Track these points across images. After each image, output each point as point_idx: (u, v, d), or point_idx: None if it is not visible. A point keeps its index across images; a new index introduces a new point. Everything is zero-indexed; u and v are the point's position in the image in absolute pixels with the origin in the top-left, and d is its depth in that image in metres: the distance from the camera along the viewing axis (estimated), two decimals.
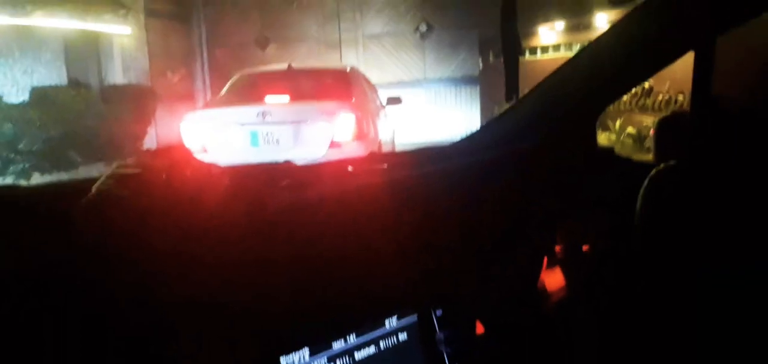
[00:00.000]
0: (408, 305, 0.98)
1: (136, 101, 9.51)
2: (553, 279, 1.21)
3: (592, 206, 1.25)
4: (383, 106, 6.71)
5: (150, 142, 10.15)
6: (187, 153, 0.93)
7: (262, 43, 12.24)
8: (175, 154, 0.92)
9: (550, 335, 1.15)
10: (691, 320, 1.08)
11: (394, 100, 6.84)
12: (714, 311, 1.06)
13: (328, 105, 5.15)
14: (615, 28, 1.31)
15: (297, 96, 5.46)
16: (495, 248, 1.15)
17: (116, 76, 9.80)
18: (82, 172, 8.25)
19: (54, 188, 1.03)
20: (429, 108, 11.41)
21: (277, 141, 5.01)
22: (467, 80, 11.47)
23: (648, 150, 6.58)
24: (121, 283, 0.75)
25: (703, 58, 1.15)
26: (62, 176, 8.01)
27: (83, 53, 9.36)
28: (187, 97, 11.90)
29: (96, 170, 8.54)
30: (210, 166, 1.00)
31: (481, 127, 1.57)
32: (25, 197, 0.91)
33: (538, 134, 1.36)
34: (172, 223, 0.80)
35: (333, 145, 4.95)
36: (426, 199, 1.10)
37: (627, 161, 1.38)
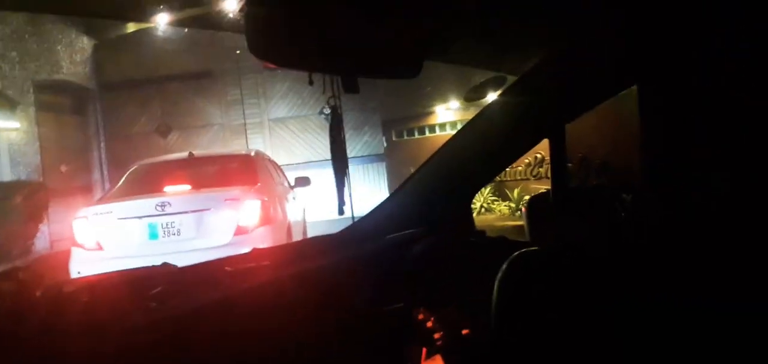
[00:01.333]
0: None
1: (26, 198, 8.91)
2: None
3: (470, 289, 1.24)
4: (292, 188, 6.69)
5: (42, 241, 9.48)
6: (40, 273, 0.88)
7: (164, 132, 11.96)
8: (24, 274, 0.87)
9: None
10: None
11: (302, 181, 6.83)
12: None
13: (232, 191, 5.08)
14: (475, 121, 1.38)
15: (199, 184, 5.36)
16: (374, 340, 1.12)
17: (3, 172, 9.18)
18: None
19: None
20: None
21: (178, 232, 4.85)
22: (373, 158, 11.78)
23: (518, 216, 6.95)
24: None
25: (557, 146, 1.24)
26: None
27: None
28: (85, 191, 11.30)
29: None
30: (64, 284, 0.96)
31: (364, 216, 1.58)
32: None
33: (418, 219, 1.39)
34: (10, 352, 0.75)
35: (239, 231, 4.85)
36: (299, 301, 1.06)
37: (500, 241, 1.41)
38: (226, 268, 1.18)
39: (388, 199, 1.56)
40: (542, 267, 1.07)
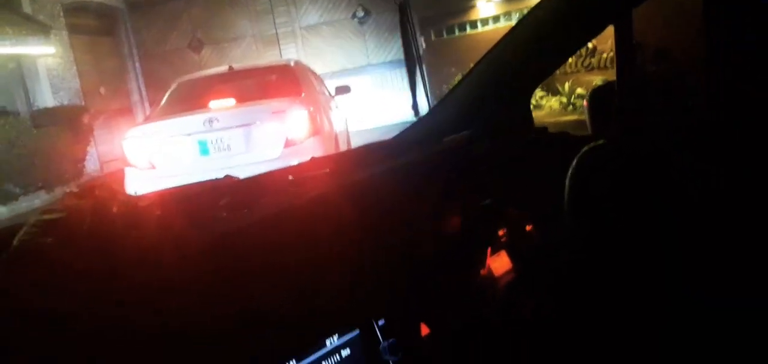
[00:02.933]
0: (349, 320, 0.94)
1: (71, 122, 9.06)
2: (499, 264, 1.20)
3: (533, 186, 1.25)
4: (332, 97, 6.57)
5: (92, 162, 9.70)
6: (113, 188, 0.92)
7: (197, 47, 11.87)
8: (100, 191, 0.90)
9: (500, 323, 1.13)
10: (626, 301, 1.09)
11: (343, 90, 6.68)
12: (646, 295, 1.07)
13: (278, 103, 4.97)
14: (535, 10, 1.32)
15: (243, 98, 5.26)
16: (439, 244, 1.12)
17: (46, 99, 9.29)
18: (24, 203, 7.83)
19: None
20: (376, 92, 11.32)
21: (229, 147, 4.82)
22: None
23: (572, 110, 6.73)
24: (49, 342, 0.69)
25: (623, 32, 1.19)
26: (1, 210, 7.55)
27: (7, 80, 8.82)
28: (125, 112, 11.43)
29: (39, 200, 8.11)
30: (138, 199, 0.98)
31: (419, 119, 1.55)
32: None
33: (475, 120, 1.36)
34: (100, 270, 0.76)
35: (288, 144, 4.79)
36: (366, 207, 1.07)
37: (563, 136, 1.38)
38: (289, 177, 1.19)
39: (442, 100, 1.52)
40: (612, 161, 1.06)
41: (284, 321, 0.87)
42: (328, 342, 0.91)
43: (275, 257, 0.90)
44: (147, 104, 11.76)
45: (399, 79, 11.49)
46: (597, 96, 1.34)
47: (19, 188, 7.90)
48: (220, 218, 0.98)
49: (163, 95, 5.78)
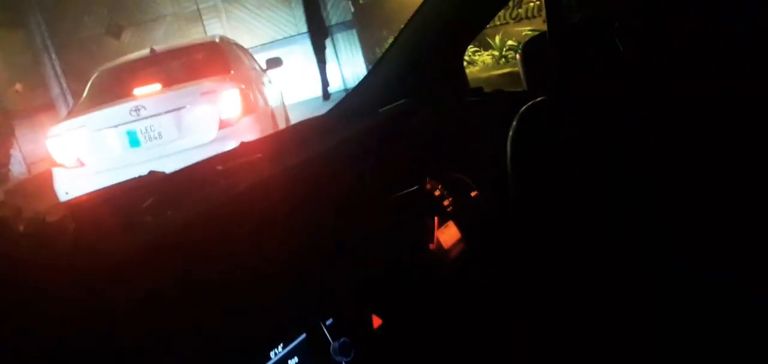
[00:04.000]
0: (293, 326, 0.87)
1: None
2: (447, 235, 1.16)
3: (475, 151, 1.21)
4: (264, 71, 6.41)
5: (17, 165, 9.16)
6: (13, 206, 0.83)
7: (116, 32, 11.28)
8: (3, 209, 0.87)
9: (453, 296, 1.08)
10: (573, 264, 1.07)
11: (274, 62, 6.46)
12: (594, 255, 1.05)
13: (208, 83, 4.82)
14: None
15: (169, 81, 5.07)
16: (383, 225, 1.07)
17: None
18: None
19: None
20: (308, 62, 11.13)
21: (160, 135, 4.65)
22: (341, 27, 11.22)
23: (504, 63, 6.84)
24: None
25: None
26: None
27: None
28: (48, 108, 10.82)
29: None
30: (47, 213, 0.89)
31: (352, 91, 1.49)
32: None
33: (409, 86, 1.31)
34: (10, 293, 0.67)
35: (222, 125, 4.66)
36: (301, 195, 0.99)
37: (500, 95, 1.35)
38: (217, 167, 1.10)
39: (373, 69, 1.48)
40: (554, 118, 1.03)
41: (219, 340, 0.78)
42: (272, 354, 0.83)
43: (202, 268, 0.81)
44: (70, 97, 11.15)
45: (330, 46, 11.29)
46: (530, 49, 1.30)
47: None
48: (143, 223, 0.89)
49: (85, 87, 5.49)
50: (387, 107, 1.30)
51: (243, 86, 4.90)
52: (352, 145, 1.18)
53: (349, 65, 11.02)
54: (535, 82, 1.28)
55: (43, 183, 6.41)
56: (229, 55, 5.50)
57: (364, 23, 10.94)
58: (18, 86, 10.20)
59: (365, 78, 1.48)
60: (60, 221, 0.86)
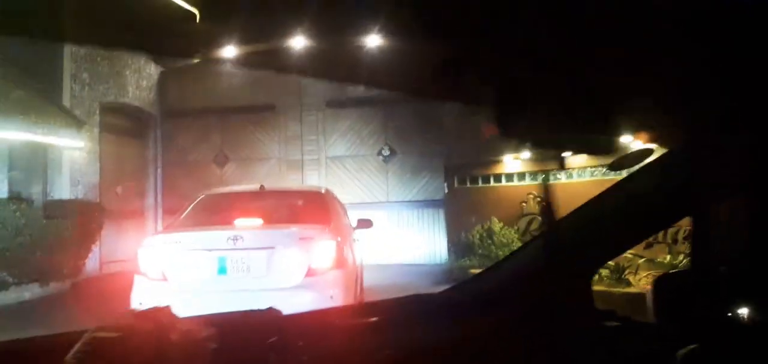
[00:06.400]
0: None
1: (82, 218, 8.86)
2: None
3: None
4: (353, 229, 6.35)
5: (93, 262, 9.39)
6: (170, 314, 0.89)
7: (221, 162, 11.98)
8: (158, 315, 0.88)
9: None
10: None
11: (365, 223, 6.38)
12: None
13: (306, 230, 4.78)
14: (612, 190, 1.32)
15: (270, 219, 5.08)
16: None
17: (63, 190, 9.19)
18: (13, 294, 7.46)
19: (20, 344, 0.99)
20: (392, 229, 11.20)
21: (248, 269, 4.56)
22: (430, 203, 11.42)
23: (623, 281, 6.42)
24: None
25: (701, 225, 1.19)
26: None
27: (29, 166, 8.78)
28: (137, 214, 11.29)
29: (29, 293, 7.72)
30: (195, 328, 0.93)
31: (476, 276, 1.55)
32: None
33: (524, 297, 1.31)
34: None
35: (310, 273, 4.52)
36: None
37: (632, 327, 1.30)
38: (335, 320, 1.22)
39: (507, 259, 1.57)
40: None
41: None
42: None
43: None
44: (160, 211, 11.64)
45: (416, 219, 11.41)
46: (664, 286, 1.23)
47: (13, 278, 7.57)
48: (267, 359, 0.99)
49: (187, 205, 5.59)
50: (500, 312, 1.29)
51: (338, 239, 4.82)
52: (469, 342, 1.21)
53: (431, 239, 11.10)
54: (666, 321, 1.19)
55: (110, 284, 6.43)
56: (331, 208, 5.51)
57: (453, 204, 11.07)
58: (119, 189, 10.78)
59: (493, 266, 1.52)
60: (206, 340, 0.92)
